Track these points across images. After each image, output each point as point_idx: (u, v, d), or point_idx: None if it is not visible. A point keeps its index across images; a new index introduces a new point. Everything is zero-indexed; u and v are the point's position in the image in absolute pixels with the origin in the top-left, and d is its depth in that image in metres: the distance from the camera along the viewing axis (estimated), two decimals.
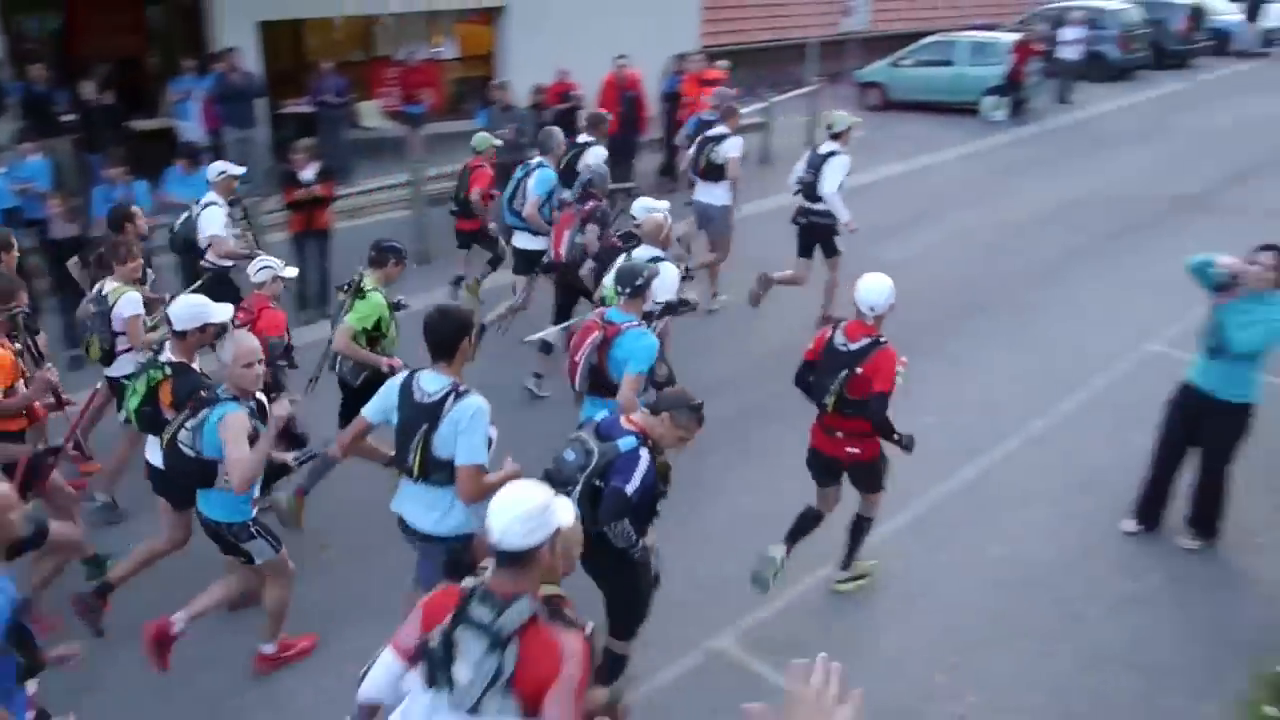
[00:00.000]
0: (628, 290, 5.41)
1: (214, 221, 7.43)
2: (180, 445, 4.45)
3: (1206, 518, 5.77)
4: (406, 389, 4.14)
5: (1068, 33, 19.38)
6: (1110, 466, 6.58)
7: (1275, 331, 5.18)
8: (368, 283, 5.84)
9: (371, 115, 15.34)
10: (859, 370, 4.80)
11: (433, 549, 4.24)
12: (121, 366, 5.89)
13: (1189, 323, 5.60)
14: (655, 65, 14.00)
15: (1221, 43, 24.20)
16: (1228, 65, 23.48)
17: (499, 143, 9.33)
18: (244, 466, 4.18)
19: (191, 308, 4.97)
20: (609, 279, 6.09)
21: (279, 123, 13.56)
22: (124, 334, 5.87)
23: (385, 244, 6.04)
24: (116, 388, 5.91)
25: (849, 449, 5.04)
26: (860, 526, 5.35)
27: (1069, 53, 18.95)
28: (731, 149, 8.84)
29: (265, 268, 6.05)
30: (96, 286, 6.04)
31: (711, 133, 9.01)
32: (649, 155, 13.48)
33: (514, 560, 2.67)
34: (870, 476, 5.19)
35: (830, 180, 8.27)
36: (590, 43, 13.56)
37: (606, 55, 12.64)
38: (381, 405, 4.27)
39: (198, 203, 7.60)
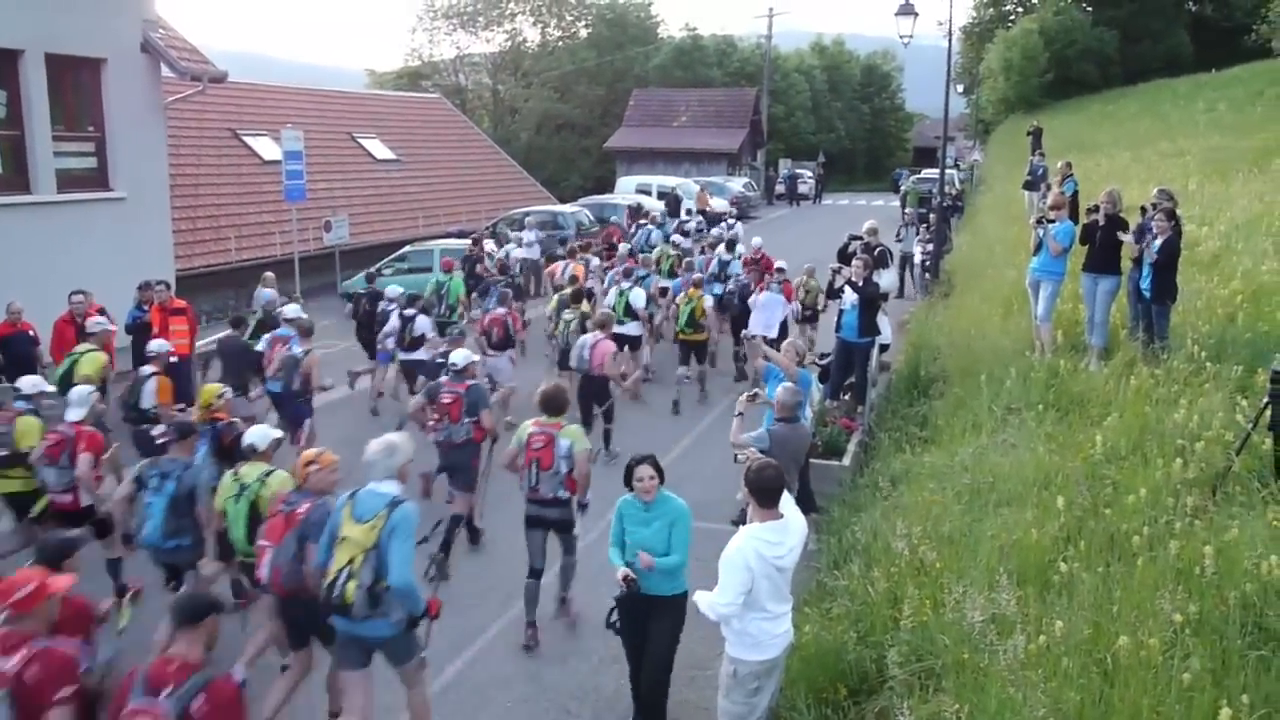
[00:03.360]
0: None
1: None
2: None
3: (656, 705, 6.12)
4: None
5: (526, 235, 21.52)
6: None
7: (685, 524, 5.91)
8: None
9: None
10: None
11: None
12: None
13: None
14: (129, 296, 13.54)
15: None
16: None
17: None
18: None
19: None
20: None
21: None
22: None
23: None
24: None
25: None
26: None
27: (530, 254, 20.92)
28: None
29: None
30: None
31: None
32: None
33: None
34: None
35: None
36: (51, 279, 12.86)
37: (68, 290, 11.90)
38: None
39: None
